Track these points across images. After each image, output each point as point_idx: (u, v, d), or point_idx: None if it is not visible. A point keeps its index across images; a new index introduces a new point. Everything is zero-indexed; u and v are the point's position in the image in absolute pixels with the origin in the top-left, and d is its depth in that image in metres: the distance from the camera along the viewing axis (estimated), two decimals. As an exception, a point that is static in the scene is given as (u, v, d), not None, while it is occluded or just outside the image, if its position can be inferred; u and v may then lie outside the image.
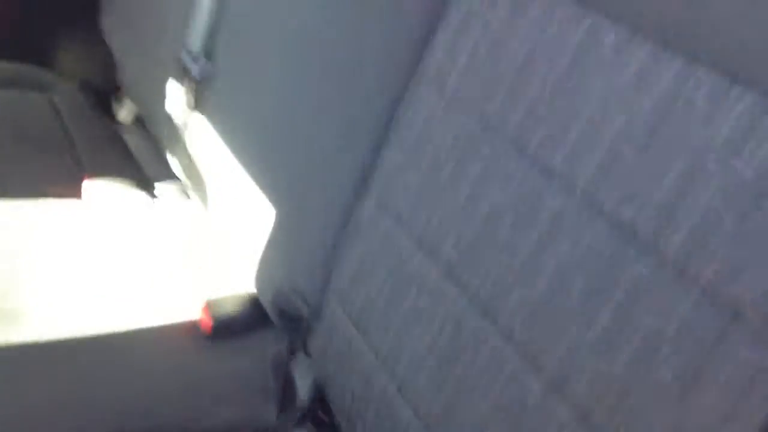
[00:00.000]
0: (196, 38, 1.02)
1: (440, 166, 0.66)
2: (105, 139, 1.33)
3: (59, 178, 1.15)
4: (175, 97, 1.10)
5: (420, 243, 0.65)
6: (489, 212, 0.58)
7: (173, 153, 1.19)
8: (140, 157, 1.31)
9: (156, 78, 1.17)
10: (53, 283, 0.93)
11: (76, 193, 1.11)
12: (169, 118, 1.16)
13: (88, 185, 1.11)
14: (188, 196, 1.18)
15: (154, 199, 1.16)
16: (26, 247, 0.97)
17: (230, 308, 0.98)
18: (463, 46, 0.64)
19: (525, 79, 0.57)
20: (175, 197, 1.16)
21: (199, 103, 1.06)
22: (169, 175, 1.22)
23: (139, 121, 1.40)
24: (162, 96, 1.15)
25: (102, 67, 1.47)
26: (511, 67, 0.58)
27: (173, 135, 1.16)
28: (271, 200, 0.92)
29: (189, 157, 1.13)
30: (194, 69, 1.02)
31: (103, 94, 1.47)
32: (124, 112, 1.43)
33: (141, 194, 1.15)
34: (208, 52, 1.02)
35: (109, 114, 1.45)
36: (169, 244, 1.08)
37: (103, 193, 1.11)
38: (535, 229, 0.53)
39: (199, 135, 1.08)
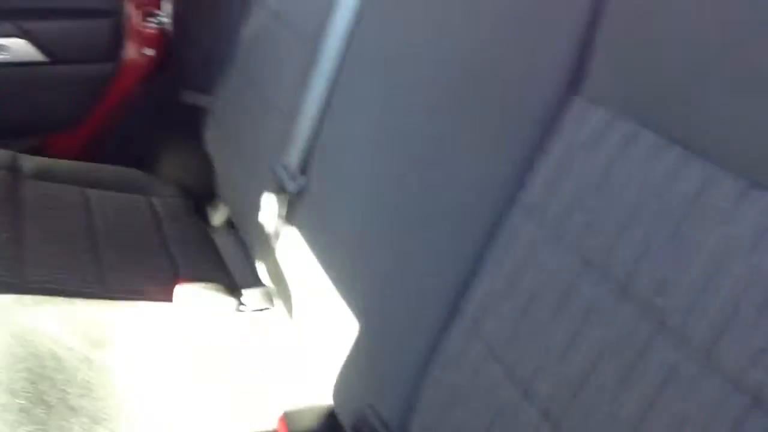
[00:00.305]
0: (293, 155, 1.07)
1: (538, 299, 0.64)
2: (198, 243, 1.38)
3: (154, 279, 1.19)
4: (269, 208, 1.14)
5: (515, 379, 0.63)
6: (590, 356, 0.56)
7: (262, 259, 1.22)
8: (230, 261, 1.35)
9: (251, 188, 1.22)
10: (138, 387, 0.95)
11: (168, 295, 1.14)
12: (260, 227, 1.19)
13: (180, 290, 1.14)
14: (273, 303, 1.19)
15: (241, 304, 1.18)
16: (116, 348, 1.00)
17: (307, 422, 0.97)
18: (565, 181, 0.64)
19: (633, 221, 0.55)
20: (261, 303, 1.18)
21: (290, 214, 1.09)
22: (256, 281, 1.24)
23: (231, 226, 1.45)
24: (256, 205, 1.19)
25: (200, 174, 1.54)
26: (616, 207, 0.57)
27: (263, 243, 1.19)
28: (356, 315, 0.92)
29: (277, 265, 1.15)
30: (289, 183, 1.06)
31: (199, 199, 1.54)
32: (218, 218, 1.48)
33: (229, 300, 1.17)
34: (303, 168, 1.05)
35: (203, 218, 1.51)
36: (253, 350, 1.09)
37: (193, 297, 1.14)
38: (643, 380, 0.51)
39: (289, 245, 1.10)
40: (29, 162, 1.39)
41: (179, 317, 1.11)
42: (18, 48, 1.43)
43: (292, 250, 1.10)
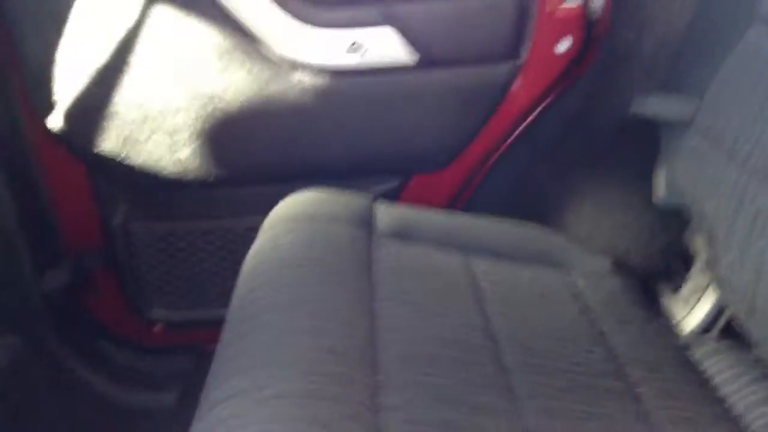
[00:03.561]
0: None
1: None
2: (667, 360, 0.74)
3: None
4: None
5: None
6: None
7: None
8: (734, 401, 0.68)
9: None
10: None
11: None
12: None
13: None
14: None
15: None
16: None
17: None
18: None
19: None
20: None
21: None
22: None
23: (731, 337, 0.79)
24: None
25: (652, 236, 0.91)
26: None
27: None
28: None
29: None
30: None
31: (647, 277, 0.91)
32: (693, 318, 0.82)
33: None
34: None
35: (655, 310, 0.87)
36: None
37: None
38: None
39: None
40: (388, 213, 0.89)
41: None
42: (380, 45, 0.97)
43: None
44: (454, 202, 1.06)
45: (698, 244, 0.85)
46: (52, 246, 1.04)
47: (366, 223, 0.85)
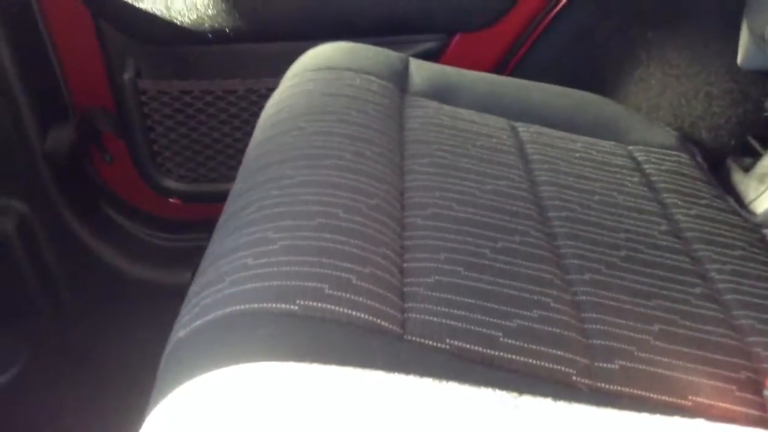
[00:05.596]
0: None
1: None
2: (739, 240, 0.64)
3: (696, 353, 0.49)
4: None
5: None
6: None
7: None
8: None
9: None
10: None
11: (731, 400, 0.43)
12: None
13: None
14: None
15: None
16: None
17: None
18: None
19: None
20: None
21: None
22: None
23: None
24: None
25: (719, 117, 0.79)
26: None
27: None
28: None
29: None
30: None
31: (714, 161, 0.80)
32: (765, 200, 0.72)
33: None
34: None
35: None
36: None
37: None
38: None
39: None
40: (425, 71, 0.79)
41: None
42: None
43: None
44: (500, 67, 0.94)
45: (783, 114, 0.73)
46: (57, 102, 0.95)
47: (399, 78, 0.75)
